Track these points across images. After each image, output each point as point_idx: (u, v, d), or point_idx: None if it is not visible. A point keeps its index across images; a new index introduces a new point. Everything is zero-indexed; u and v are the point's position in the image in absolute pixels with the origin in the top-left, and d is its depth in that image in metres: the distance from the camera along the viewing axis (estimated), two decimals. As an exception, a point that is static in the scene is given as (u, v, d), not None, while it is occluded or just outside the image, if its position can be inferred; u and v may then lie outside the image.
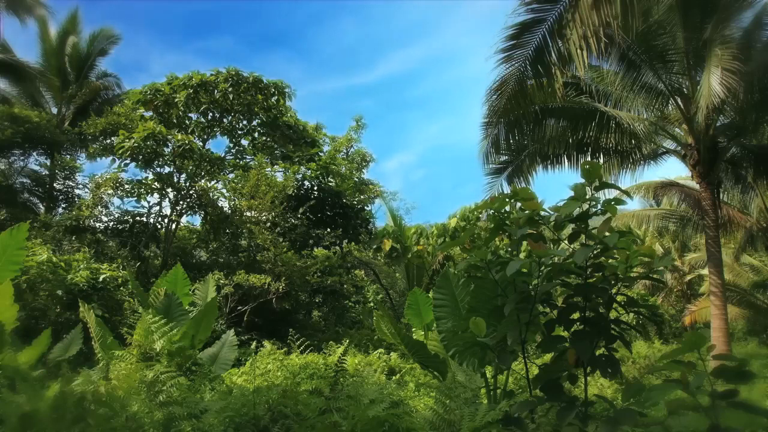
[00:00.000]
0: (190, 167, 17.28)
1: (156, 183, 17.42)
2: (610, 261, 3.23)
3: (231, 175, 19.48)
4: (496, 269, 3.82)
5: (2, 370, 5.20)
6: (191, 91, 17.39)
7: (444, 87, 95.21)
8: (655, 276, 3.46)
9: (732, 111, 11.24)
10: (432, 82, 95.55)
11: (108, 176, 16.92)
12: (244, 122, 19.40)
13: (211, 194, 17.98)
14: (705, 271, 17.11)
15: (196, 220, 19.98)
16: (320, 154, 21.37)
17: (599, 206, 3.22)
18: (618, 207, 3.22)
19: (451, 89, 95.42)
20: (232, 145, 19.94)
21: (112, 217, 17.32)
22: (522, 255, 3.88)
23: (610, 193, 3.41)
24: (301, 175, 20.18)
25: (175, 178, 17.68)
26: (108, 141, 18.44)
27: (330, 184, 20.64)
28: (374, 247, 22.21)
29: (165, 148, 16.69)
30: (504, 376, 5.92)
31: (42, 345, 6.77)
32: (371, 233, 21.56)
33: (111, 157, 17.51)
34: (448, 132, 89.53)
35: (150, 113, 18.04)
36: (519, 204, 3.45)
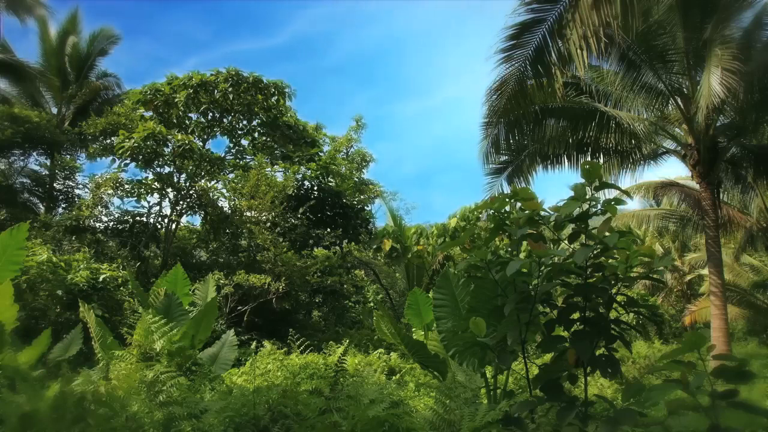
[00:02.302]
0: (190, 167, 17.27)
1: (156, 183, 17.42)
2: (610, 261, 3.23)
3: (231, 175, 19.48)
4: (496, 269, 3.82)
5: (2, 370, 5.20)
6: (191, 91, 17.39)
7: (370, 50, 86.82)
8: (655, 276, 3.46)
9: (732, 111, 11.24)
10: (353, 45, 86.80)
11: (108, 176, 16.92)
12: (244, 122, 19.39)
13: (211, 194, 17.98)
14: (705, 271, 17.10)
15: (196, 220, 20.01)
16: (320, 154, 21.37)
17: (599, 206, 3.22)
18: (618, 207, 3.22)
19: (377, 52, 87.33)
20: (232, 145, 19.95)
21: (112, 217, 17.34)
22: (522, 255, 3.89)
23: (610, 193, 3.41)
24: (301, 175, 20.19)
25: (175, 178, 17.68)
26: (108, 141, 18.43)
27: (330, 184, 20.64)
28: (374, 247, 22.20)
29: (165, 148, 16.68)
30: (504, 376, 5.92)
31: (42, 345, 6.77)
32: (371, 233, 21.56)
33: (111, 157, 17.51)
34: (382, 102, 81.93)
35: (150, 113, 18.04)
36: (519, 204, 3.45)
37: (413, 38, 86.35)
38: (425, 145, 79.41)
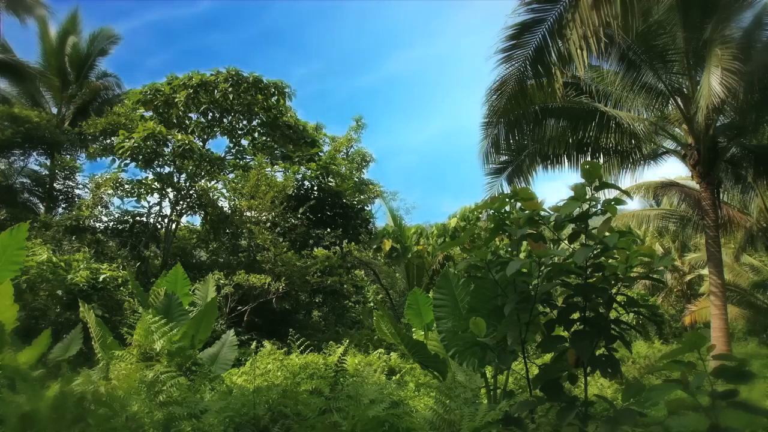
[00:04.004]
0: (190, 167, 17.27)
1: (156, 183, 17.42)
2: (610, 261, 3.23)
3: (231, 175, 19.47)
4: (496, 269, 3.83)
5: (2, 370, 5.19)
6: (191, 91, 17.39)
7: (303, 18, 79.28)
8: (655, 276, 3.47)
9: (732, 111, 11.25)
10: (284, 12, 79.48)
11: (108, 176, 16.93)
12: (244, 122, 19.39)
13: (211, 194, 17.98)
14: (705, 271, 17.11)
15: (196, 220, 20.02)
16: (320, 154, 21.36)
17: (599, 206, 3.22)
18: (618, 207, 3.22)
19: (311, 21, 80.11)
20: (232, 145, 19.95)
21: (112, 217, 17.34)
22: (522, 255, 3.88)
23: (610, 193, 3.41)
24: (301, 175, 20.18)
25: (175, 178, 17.68)
26: (108, 141, 18.45)
27: (330, 184, 20.63)
28: (374, 247, 22.20)
29: (165, 148, 16.68)
30: (504, 376, 5.91)
31: (42, 345, 6.77)
32: (371, 233, 21.55)
33: (111, 157, 17.52)
34: (320, 76, 74.56)
35: (150, 113, 18.05)
36: (519, 204, 3.46)
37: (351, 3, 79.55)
38: (372, 123, 74.54)
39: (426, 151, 77.41)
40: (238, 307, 15.13)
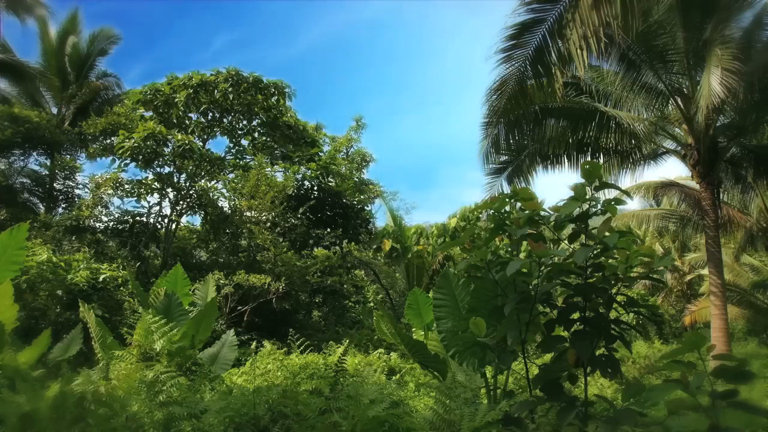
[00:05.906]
0: (190, 167, 17.27)
1: (156, 183, 17.42)
2: (610, 261, 3.23)
3: (231, 175, 19.46)
4: (496, 269, 3.82)
5: (2, 370, 5.19)
6: (191, 91, 17.40)
7: None
8: (655, 276, 3.46)
9: (732, 111, 11.25)
10: None
11: (108, 176, 16.93)
12: (244, 122, 19.39)
13: (211, 194, 17.98)
14: (705, 271, 17.12)
15: (196, 220, 20.01)
16: (320, 154, 21.36)
17: (599, 206, 3.22)
18: (618, 207, 3.22)
19: None
20: (232, 145, 19.95)
21: (112, 217, 17.34)
22: (522, 255, 3.88)
23: (610, 193, 3.41)
24: (301, 175, 20.16)
25: (175, 178, 17.68)
26: (108, 141, 18.46)
27: (330, 184, 20.61)
28: (374, 247, 22.20)
29: (165, 148, 16.68)
30: (504, 376, 5.92)
31: (42, 345, 6.77)
32: (371, 233, 21.54)
33: (111, 157, 17.53)
34: (245, 45, 71.23)
35: (150, 113, 18.05)
36: (519, 204, 3.45)
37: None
38: (307, 96, 68.28)
39: (374, 126, 71.70)
40: (238, 307, 15.13)
